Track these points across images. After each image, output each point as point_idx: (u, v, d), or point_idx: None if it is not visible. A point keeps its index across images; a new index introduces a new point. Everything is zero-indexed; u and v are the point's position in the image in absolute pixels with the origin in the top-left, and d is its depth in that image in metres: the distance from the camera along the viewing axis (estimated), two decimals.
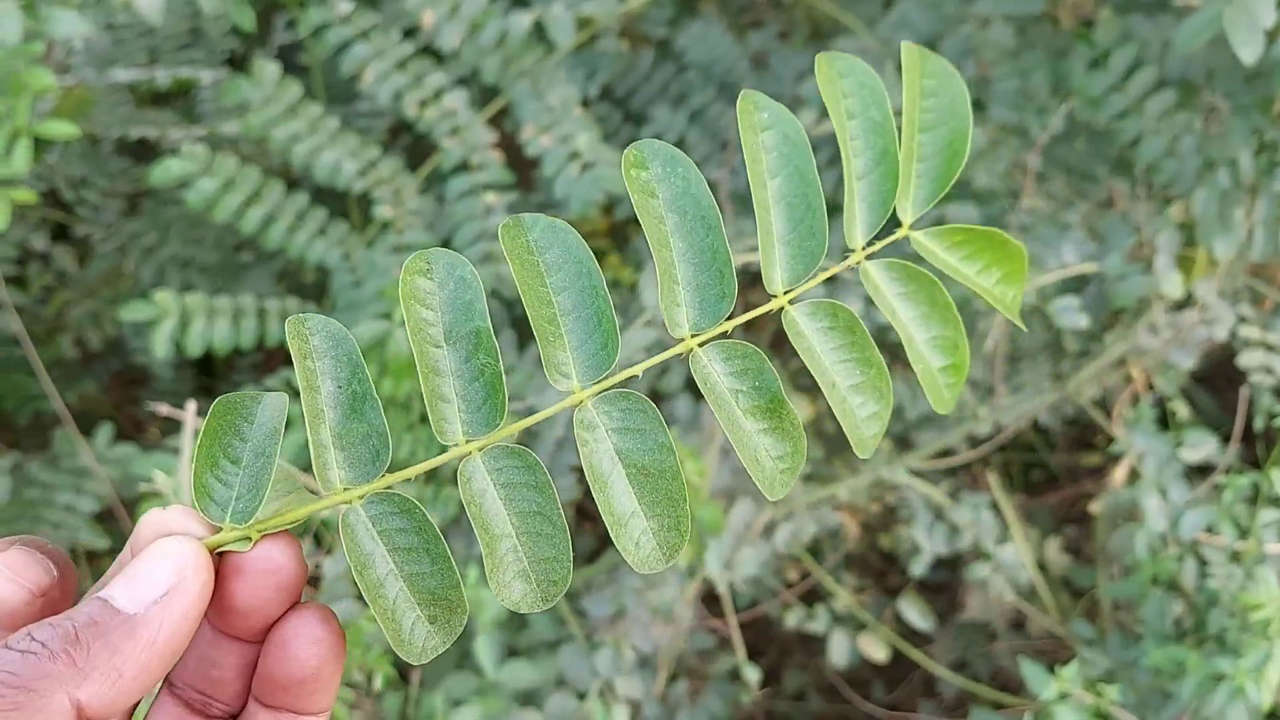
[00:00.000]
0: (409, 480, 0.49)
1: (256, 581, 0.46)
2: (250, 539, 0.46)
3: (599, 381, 0.49)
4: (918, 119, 0.52)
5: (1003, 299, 0.54)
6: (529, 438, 1.33)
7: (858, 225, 0.52)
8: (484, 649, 1.24)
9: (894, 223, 0.53)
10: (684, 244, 0.50)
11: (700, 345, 0.50)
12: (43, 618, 0.43)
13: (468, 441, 0.49)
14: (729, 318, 0.51)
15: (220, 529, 0.46)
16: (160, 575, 0.43)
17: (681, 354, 0.51)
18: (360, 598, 1.20)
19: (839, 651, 1.44)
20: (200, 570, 0.44)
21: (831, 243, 0.52)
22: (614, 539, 0.48)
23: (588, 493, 1.58)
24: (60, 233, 1.88)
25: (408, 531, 0.48)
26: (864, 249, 0.52)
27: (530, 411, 1.28)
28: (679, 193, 0.50)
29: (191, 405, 0.96)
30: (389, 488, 0.48)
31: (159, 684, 0.49)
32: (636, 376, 0.51)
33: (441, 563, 0.47)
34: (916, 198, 0.52)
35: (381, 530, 0.48)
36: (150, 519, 0.46)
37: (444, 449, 0.49)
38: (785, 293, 0.51)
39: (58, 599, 0.44)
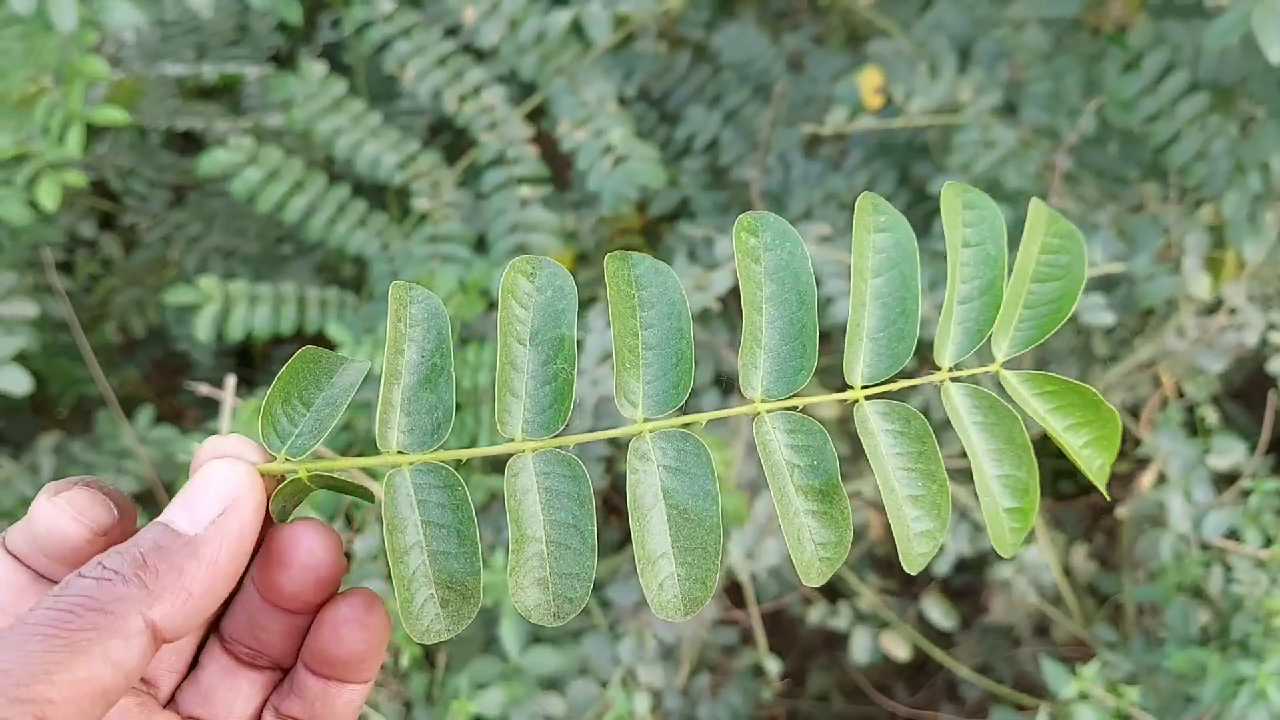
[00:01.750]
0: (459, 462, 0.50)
1: (299, 575, 0.48)
2: (299, 475, 0.48)
3: (663, 417, 0.50)
4: (1032, 270, 0.53)
5: (1089, 464, 0.53)
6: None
7: (949, 345, 0.52)
8: (509, 634, 1.25)
9: (983, 351, 0.54)
10: (775, 312, 0.51)
11: (768, 411, 0.51)
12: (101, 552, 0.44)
13: (525, 439, 0.50)
14: (799, 394, 0.52)
15: (274, 459, 0.48)
16: (215, 496, 0.44)
17: (748, 415, 0.52)
18: (389, 577, 1.23)
19: (861, 648, 1.45)
20: (253, 490, 0.45)
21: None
22: (639, 575, 0.49)
23: (613, 486, 1.60)
24: (107, 221, 1.93)
25: (445, 508, 0.49)
26: (950, 370, 0.52)
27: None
28: (781, 264, 0.52)
29: (231, 380, 0.99)
30: (442, 462, 0.49)
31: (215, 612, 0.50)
32: (700, 424, 0.52)
33: (468, 546, 0.48)
34: (1015, 339, 0.53)
35: (421, 500, 0.49)
36: (209, 444, 0.47)
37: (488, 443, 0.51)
38: (863, 387, 0.52)
39: (118, 538, 0.45)
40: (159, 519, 0.44)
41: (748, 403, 0.52)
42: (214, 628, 0.52)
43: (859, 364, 0.52)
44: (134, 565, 0.42)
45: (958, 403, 0.52)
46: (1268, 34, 0.97)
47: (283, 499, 0.48)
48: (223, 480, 0.45)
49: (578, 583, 0.48)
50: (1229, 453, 1.34)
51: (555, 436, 0.50)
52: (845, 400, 0.52)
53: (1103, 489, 0.53)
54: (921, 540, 0.51)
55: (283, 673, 0.52)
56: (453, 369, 0.50)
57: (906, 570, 0.50)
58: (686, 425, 0.51)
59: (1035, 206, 0.54)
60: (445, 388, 0.50)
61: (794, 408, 0.51)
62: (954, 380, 0.53)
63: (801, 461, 0.50)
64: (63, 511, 0.45)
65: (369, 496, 0.50)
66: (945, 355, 0.52)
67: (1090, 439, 0.53)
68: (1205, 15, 1.21)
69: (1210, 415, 1.39)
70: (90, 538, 0.45)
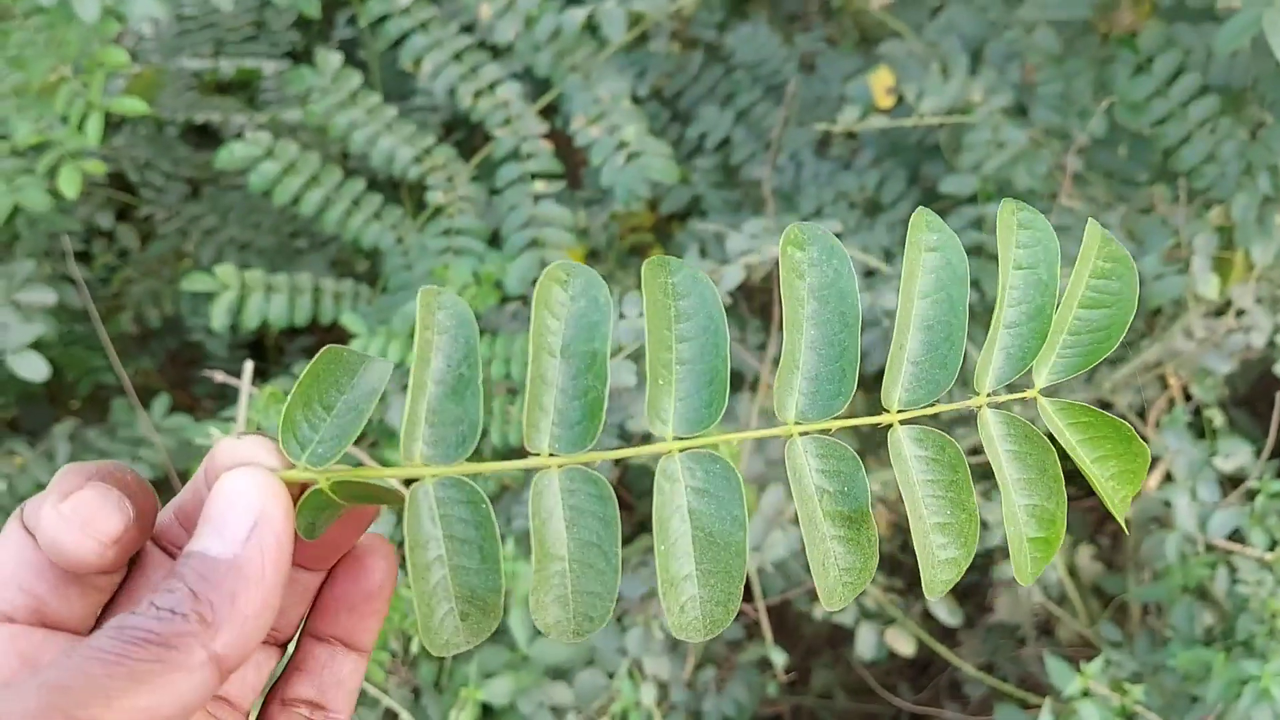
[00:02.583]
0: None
1: (345, 519, 0.47)
2: (318, 484, 0.45)
3: (694, 437, 0.49)
4: (1080, 294, 0.52)
5: (1112, 495, 0.52)
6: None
7: (990, 371, 0.51)
8: (518, 624, 1.27)
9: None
10: (816, 333, 0.50)
11: (801, 434, 0.50)
12: (117, 564, 0.43)
13: (551, 456, 0.48)
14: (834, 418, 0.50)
15: (294, 466, 0.46)
16: (241, 512, 0.43)
17: (780, 437, 0.50)
18: (403, 565, 1.24)
19: (865, 644, 1.46)
20: (277, 495, 0.44)
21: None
22: (661, 596, 0.48)
23: (620, 481, 1.61)
24: (124, 213, 1.95)
25: (468, 523, 0.47)
26: (988, 395, 0.52)
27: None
28: (826, 282, 0.51)
29: (249, 366, 1.00)
30: (465, 475, 0.48)
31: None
32: (733, 445, 0.49)
33: (490, 563, 0.47)
34: (1057, 366, 0.52)
35: (444, 515, 0.47)
36: (222, 449, 0.45)
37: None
38: (899, 411, 0.51)
39: (134, 538, 0.44)
40: (192, 547, 0.42)
41: (780, 425, 0.50)
42: None
43: (897, 388, 0.51)
44: (189, 603, 0.40)
45: (993, 430, 0.52)
46: (1277, 36, 0.98)
47: (310, 513, 0.46)
48: (244, 493, 0.43)
49: (599, 601, 0.47)
50: (1235, 455, 1.35)
51: (582, 453, 0.48)
52: (879, 424, 0.51)
53: (1122, 521, 0.52)
54: (946, 568, 0.50)
55: (280, 649, 0.51)
56: (480, 381, 0.48)
57: (927, 595, 0.50)
58: (716, 445, 0.51)
59: (1091, 227, 0.52)
60: (472, 400, 0.48)
61: (826, 431, 0.50)
62: (991, 407, 0.52)
63: (832, 487, 0.49)
64: (68, 524, 0.42)
65: (398, 500, 0.48)
66: (985, 380, 0.51)
67: (1117, 472, 0.52)
68: (1216, 18, 1.22)
69: (1217, 417, 1.40)
70: (100, 550, 0.42)
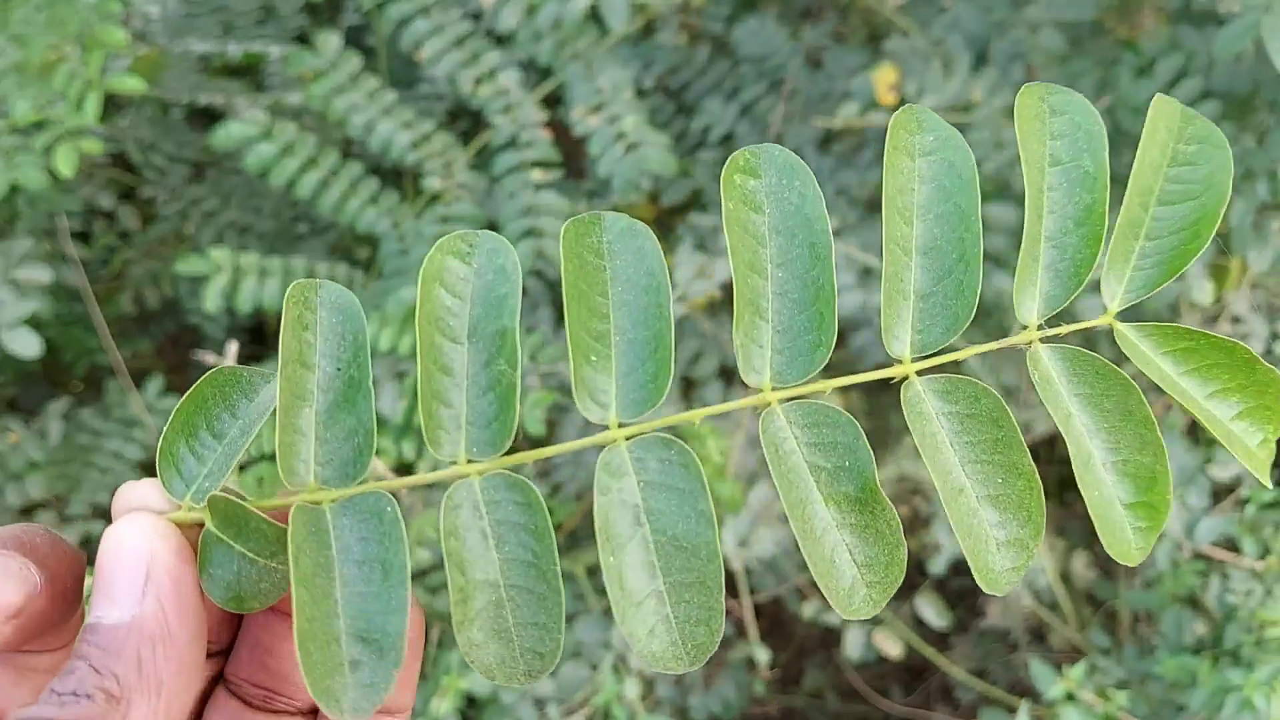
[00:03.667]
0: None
1: None
2: (204, 523, 0.40)
3: (643, 419, 0.41)
4: (1158, 189, 0.42)
5: (1243, 441, 0.41)
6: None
7: (1036, 297, 0.42)
8: None
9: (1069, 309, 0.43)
10: (784, 274, 0.42)
11: (780, 401, 0.42)
12: (22, 640, 0.39)
13: (469, 462, 0.41)
14: (823, 373, 0.42)
15: (179, 506, 0.41)
16: (129, 569, 0.38)
17: (755, 408, 0.42)
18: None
19: (854, 645, 1.45)
20: (166, 537, 0.39)
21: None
22: (619, 620, 0.39)
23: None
24: (127, 194, 1.95)
25: (370, 541, 0.40)
26: (1039, 327, 0.42)
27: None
28: (791, 210, 0.42)
29: (233, 347, 1.00)
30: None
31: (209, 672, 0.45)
32: (693, 424, 0.42)
33: (395, 576, 0.39)
34: (1135, 281, 0.42)
35: (344, 543, 0.40)
36: (119, 495, 0.41)
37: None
38: (913, 360, 0.42)
39: (45, 608, 0.39)
40: (88, 619, 0.38)
41: (751, 392, 0.42)
42: (215, 678, 0.46)
43: (906, 330, 0.42)
44: (92, 680, 0.36)
45: (1051, 370, 0.42)
46: (1276, 41, 0.97)
47: (216, 561, 0.40)
48: (129, 547, 0.39)
49: (546, 634, 0.40)
50: (1231, 463, 1.34)
51: (504, 455, 0.41)
52: (891, 378, 0.42)
53: (1264, 477, 0.41)
54: (1008, 552, 0.41)
55: (300, 716, 0.46)
56: (370, 381, 0.42)
57: (987, 590, 0.40)
58: (673, 427, 0.42)
59: (1160, 103, 0.43)
60: (365, 406, 0.41)
61: (816, 394, 0.42)
62: (1046, 341, 0.42)
63: (828, 463, 0.41)
64: None
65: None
66: (1030, 308, 0.42)
67: (1246, 409, 0.41)
68: (1220, 22, 1.21)
69: None
70: (2, 620, 0.38)
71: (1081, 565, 1.63)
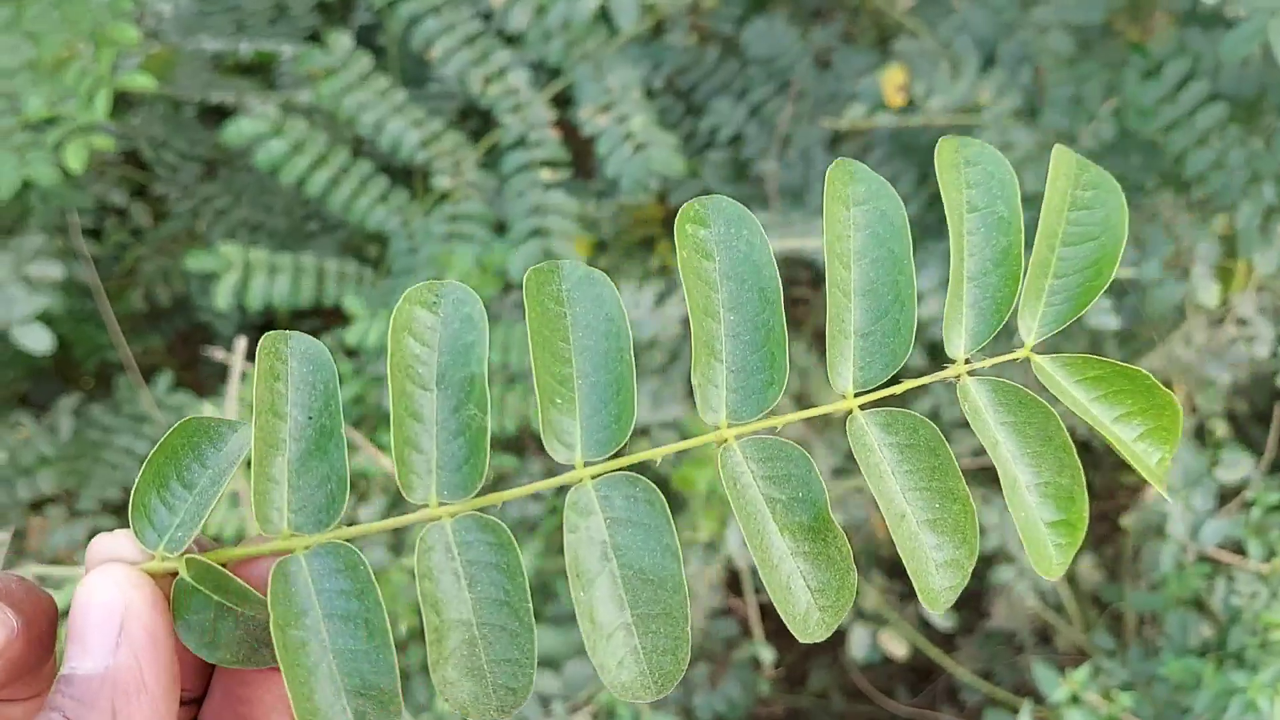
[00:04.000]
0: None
1: None
2: (178, 572, 0.41)
3: (607, 459, 0.43)
4: (1061, 231, 0.45)
5: (1145, 459, 0.44)
6: None
7: (962, 333, 0.45)
8: None
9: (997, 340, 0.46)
10: (735, 317, 0.44)
11: (736, 438, 0.43)
12: (1, 678, 0.39)
13: (441, 505, 0.42)
14: (774, 411, 0.44)
15: (153, 557, 0.41)
16: (103, 620, 0.39)
17: (714, 443, 0.44)
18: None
19: (859, 645, 1.46)
20: (139, 587, 0.40)
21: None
22: (591, 653, 0.41)
23: None
24: (139, 191, 1.96)
25: (349, 595, 0.41)
26: (965, 361, 0.45)
27: None
28: (740, 258, 0.44)
29: (241, 343, 1.01)
30: (343, 540, 0.42)
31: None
32: (654, 462, 0.44)
33: (379, 639, 0.41)
34: (1046, 316, 0.45)
35: (321, 590, 0.41)
36: (92, 548, 0.42)
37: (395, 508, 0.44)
38: (856, 395, 0.44)
39: (23, 652, 0.39)
40: (62, 671, 0.39)
41: (710, 431, 0.44)
42: None
43: (848, 367, 0.44)
44: None
45: (979, 401, 0.44)
46: None
47: (192, 609, 0.41)
48: (103, 598, 0.39)
49: (519, 670, 0.41)
50: (1237, 466, 1.34)
51: (475, 497, 0.43)
52: (835, 412, 0.44)
53: (1162, 488, 0.44)
54: (946, 572, 0.43)
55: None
56: (342, 429, 0.43)
57: (928, 608, 0.43)
58: (637, 466, 0.43)
59: (1059, 154, 0.46)
60: (337, 452, 0.42)
61: (770, 430, 0.44)
62: (972, 375, 0.45)
63: (783, 495, 0.43)
64: None
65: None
66: (957, 344, 0.45)
67: (1146, 430, 0.45)
68: (1228, 25, 1.21)
69: (1219, 427, 1.38)
70: None
71: (1087, 568, 1.63)
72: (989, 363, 0.45)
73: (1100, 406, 0.45)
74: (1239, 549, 1.31)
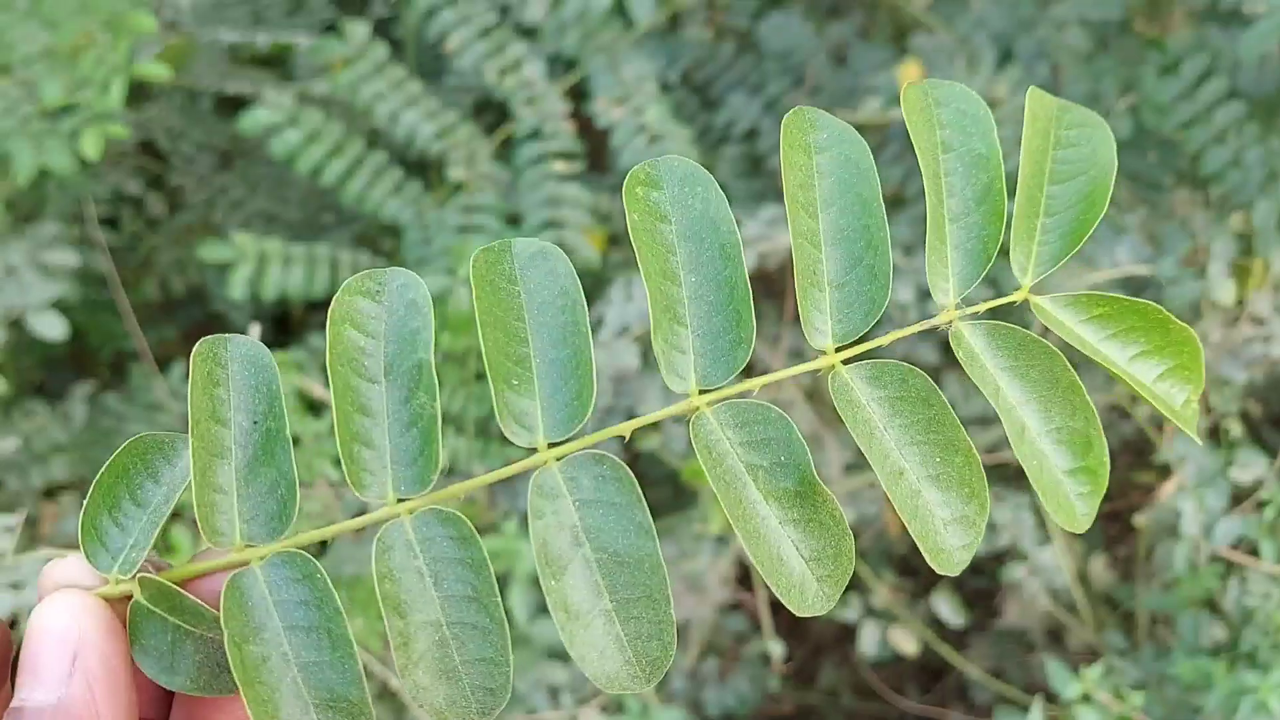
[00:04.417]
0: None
1: None
2: (133, 595, 0.40)
3: (569, 439, 0.41)
4: (1048, 170, 0.44)
5: (1169, 401, 0.42)
6: None
7: (949, 278, 0.42)
8: (518, 602, 1.27)
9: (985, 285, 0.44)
10: (696, 278, 0.42)
11: (709, 405, 0.41)
12: None
13: (399, 501, 0.41)
14: (746, 371, 0.42)
15: (107, 580, 0.40)
16: (54, 650, 0.37)
17: (685, 413, 0.42)
18: None
19: (869, 641, 1.45)
20: (93, 614, 0.38)
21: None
22: (568, 644, 0.39)
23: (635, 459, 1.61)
24: (155, 181, 1.96)
25: (308, 605, 0.40)
26: (956, 306, 0.42)
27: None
28: (696, 217, 0.42)
29: (255, 329, 1.01)
30: (299, 547, 0.41)
31: None
32: (623, 438, 0.42)
33: (343, 648, 0.39)
34: (1042, 255, 0.43)
35: (278, 600, 0.40)
36: (45, 574, 0.40)
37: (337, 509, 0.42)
38: (836, 349, 0.42)
39: None
40: (13, 703, 0.38)
41: (678, 398, 0.42)
42: None
43: (825, 319, 0.42)
44: None
45: (975, 346, 0.42)
46: None
47: (150, 633, 0.40)
48: (55, 627, 0.38)
49: (495, 669, 0.40)
50: (1252, 466, 1.33)
51: (433, 491, 0.41)
52: (816, 370, 0.42)
53: (1192, 431, 0.41)
54: (956, 529, 0.41)
55: None
56: (288, 431, 0.42)
57: (939, 571, 0.40)
58: (631, 435, 0.42)
59: (1035, 96, 0.45)
60: (284, 456, 0.41)
61: (745, 394, 0.42)
62: (965, 320, 0.42)
63: (764, 461, 0.41)
64: None
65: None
66: (945, 289, 0.42)
67: (1166, 369, 0.42)
68: (1247, 23, 1.21)
69: (1235, 427, 1.38)
70: None
71: (1100, 567, 1.63)
72: (982, 307, 0.43)
73: (1112, 346, 0.42)
74: (1252, 550, 1.30)
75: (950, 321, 0.42)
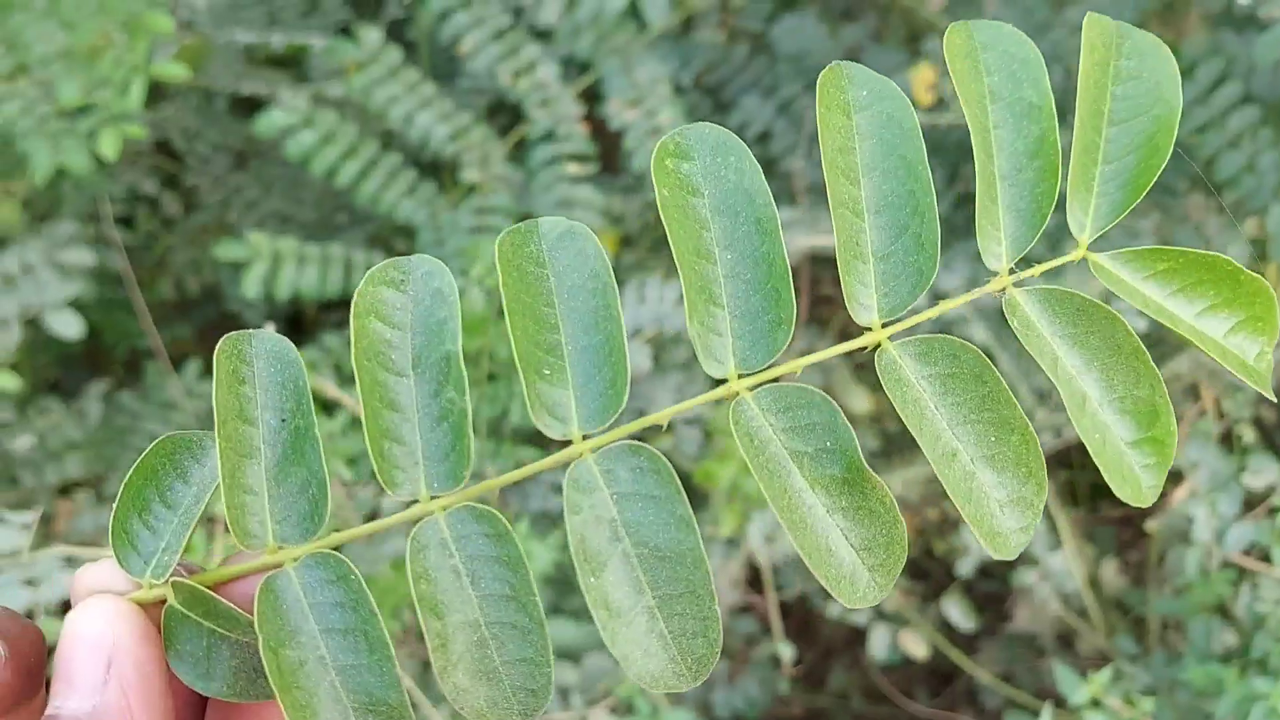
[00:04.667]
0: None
1: None
2: (167, 599, 0.39)
3: (606, 429, 0.39)
4: (1107, 109, 0.40)
5: (1240, 356, 0.39)
6: None
7: (1001, 240, 0.40)
8: None
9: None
10: (732, 255, 0.40)
11: (750, 390, 0.39)
12: None
13: (432, 498, 0.39)
14: (786, 352, 0.39)
15: (140, 585, 0.39)
16: (89, 657, 0.37)
17: (723, 399, 0.40)
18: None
19: (879, 644, 1.45)
20: (128, 619, 0.38)
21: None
22: (610, 644, 0.37)
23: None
24: (170, 181, 1.97)
25: (344, 607, 0.39)
26: (1010, 271, 0.40)
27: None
28: (731, 189, 0.40)
29: (270, 328, 1.01)
30: (332, 548, 0.40)
31: None
32: (661, 427, 0.40)
33: (380, 651, 0.38)
34: (1102, 208, 0.40)
35: (314, 603, 0.39)
36: (78, 579, 0.40)
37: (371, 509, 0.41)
38: (883, 325, 0.40)
39: (10, 684, 0.37)
40: (48, 710, 0.37)
41: (718, 384, 0.40)
42: None
43: (870, 295, 0.39)
44: None
45: (1030, 313, 0.39)
46: None
47: (184, 638, 0.39)
48: (91, 632, 0.37)
49: (536, 669, 0.38)
50: (1264, 471, 1.33)
51: (467, 487, 0.39)
52: (862, 348, 0.40)
53: (1266, 387, 0.38)
54: (1012, 511, 0.38)
55: None
56: (317, 429, 0.40)
57: (996, 555, 0.38)
58: (641, 435, 0.39)
59: (1093, 21, 0.40)
60: (313, 454, 0.40)
61: (780, 377, 0.40)
62: (1019, 285, 0.40)
63: (809, 447, 0.39)
64: None
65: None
66: (997, 253, 0.40)
67: (1238, 322, 0.39)
68: (1261, 28, 1.20)
69: (1247, 433, 1.37)
70: None
71: (1111, 572, 1.62)
72: (1038, 270, 0.40)
73: (1178, 302, 0.39)
74: (1264, 556, 1.30)
75: (1004, 288, 0.40)
